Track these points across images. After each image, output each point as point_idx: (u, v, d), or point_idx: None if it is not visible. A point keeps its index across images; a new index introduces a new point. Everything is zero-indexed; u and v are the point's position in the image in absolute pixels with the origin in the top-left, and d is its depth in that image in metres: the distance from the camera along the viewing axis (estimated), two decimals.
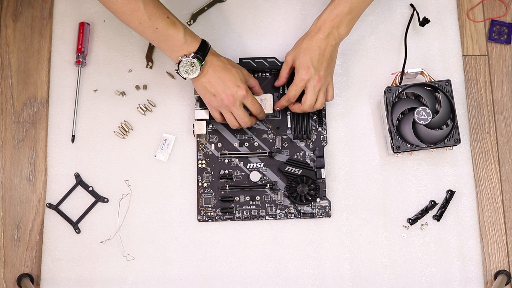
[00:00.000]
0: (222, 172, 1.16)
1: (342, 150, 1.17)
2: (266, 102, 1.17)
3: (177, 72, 1.05)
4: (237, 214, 1.14)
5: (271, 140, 1.17)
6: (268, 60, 1.16)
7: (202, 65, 1.04)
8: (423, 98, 1.13)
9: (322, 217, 1.15)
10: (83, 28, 1.19)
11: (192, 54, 1.04)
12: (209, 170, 1.16)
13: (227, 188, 1.15)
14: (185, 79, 1.05)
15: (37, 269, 1.14)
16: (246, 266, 1.14)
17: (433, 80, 1.14)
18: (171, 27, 1.03)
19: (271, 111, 1.17)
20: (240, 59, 1.16)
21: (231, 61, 1.10)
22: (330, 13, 1.07)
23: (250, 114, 1.12)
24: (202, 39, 1.06)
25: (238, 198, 1.15)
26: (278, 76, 1.18)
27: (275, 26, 1.22)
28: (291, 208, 1.15)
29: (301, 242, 1.14)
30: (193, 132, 1.16)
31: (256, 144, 1.17)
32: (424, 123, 1.11)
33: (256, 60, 1.16)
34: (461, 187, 1.16)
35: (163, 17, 1.03)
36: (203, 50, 1.05)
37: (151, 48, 1.21)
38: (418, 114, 1.11)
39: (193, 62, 1.04)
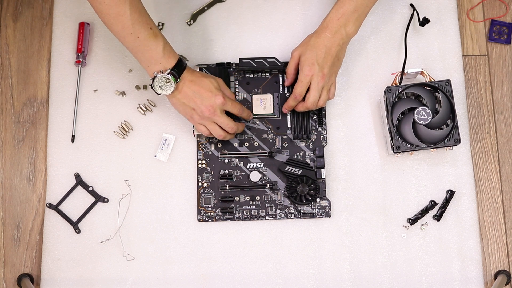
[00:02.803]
0: (222, 172, 1.16)
1: (342, 150, 1.17)
2: (266, 102, 1.17)
3: (151, 87, 1.05)
4: (237, 214, 1.14)
5: (271, 140, 1.17)
6: (268, 60, 1.16)
7: (177, 82, 1.05)
8: (423, 98, 1.13)
9: (322, 217, 1.15)
10: (83, 28, 1.19)
11: (168, 71, 1.04)
12: (209, 170, 1.16)
13: (227, 188, 1.15)
14: (159, 94, 1.05)
15: (37, 269, 1.14)
16: (246, 266, 1.14)
17: (433, 80, 1.14)
18: (152, 39, 1.03)
19: (271, 111, 1.17)
20: (240, 59, 1.16)
21: (204, 73, 1.10)
22: (336, 12, 1.08)
23: (237, 119, 1.12)
24: (179, 56, 1.06)
25: (238, 198, 1.15)
26: (278, 76, 1.18)
27: (275, 26, 1.22)
28: (291, 208, 1.15)
29: (301, 242, 1.14)
30: (193, 132, 1.16)
31: (256, 144, 1.17)
32: (424, 123, 1.11)
33: (256, 60, 1.16)
34: (461, 187, 1.16)
35: (147, 27, 1.02)
36: (179, 68, 1.05)
37: None
38: (418, 114, 1.11)
39: (168, 79, 1.04)
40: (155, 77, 1.04)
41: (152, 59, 1.04)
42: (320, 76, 1.08)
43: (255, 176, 1.15)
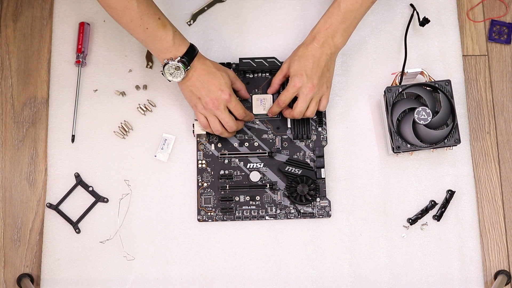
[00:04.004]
0: (222, 172, 1.16)
1: (342, 150, 1.17)
2: (266, 102, 1.17)
3: (162, 74, 1.06)
4: (237, 214, 1.14)
5: (271, 140, 1.17)
6: (268, 60, 1.16)
7: (187, 70, 1.05)
8: (423, 98, 1.13)
9: (322, 217, 1.15)
10: (83, 28, 1.19)
11: (178, 58, 1.04)
12: (209, 170, 1.16)
13: (227, 188, 1.15)
14: (170, 81, 1.06)
15: (37, 269, 1.14)
16: (246, 266, 1.14)
17: (433, 80, 1.14)
18: (161, 29, 1.03)
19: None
20: (240, 59, 1.16)
21: (217, 64, 1.10)
22: (324, 23, 1.08)
23: (236, 119, 1.12)
24: (190, 43, 1.06)
25: (238, 198, 1.15)
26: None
27: (275, 26, 1.22)
28: (291, 208, 1.15)
29: (301, 242, 1.14)
30: (193, 132, 1.16)
31: (256, 144, 1.17)
32: (424, 123, 1.11)
33: (256, 60, 1.16)
34: (461, 187, 1.16)
35: (155, 17, 1.03)
36: (189, 55, 1.05)
37: None
38: (418, 114, 1.11)
39: (178, 66, 1.04)
40: (166, 64, 1.05)
41: (162, 48, 1.04)
42: (308, 87, 1.08)
43: (255, 176, 1.15)
